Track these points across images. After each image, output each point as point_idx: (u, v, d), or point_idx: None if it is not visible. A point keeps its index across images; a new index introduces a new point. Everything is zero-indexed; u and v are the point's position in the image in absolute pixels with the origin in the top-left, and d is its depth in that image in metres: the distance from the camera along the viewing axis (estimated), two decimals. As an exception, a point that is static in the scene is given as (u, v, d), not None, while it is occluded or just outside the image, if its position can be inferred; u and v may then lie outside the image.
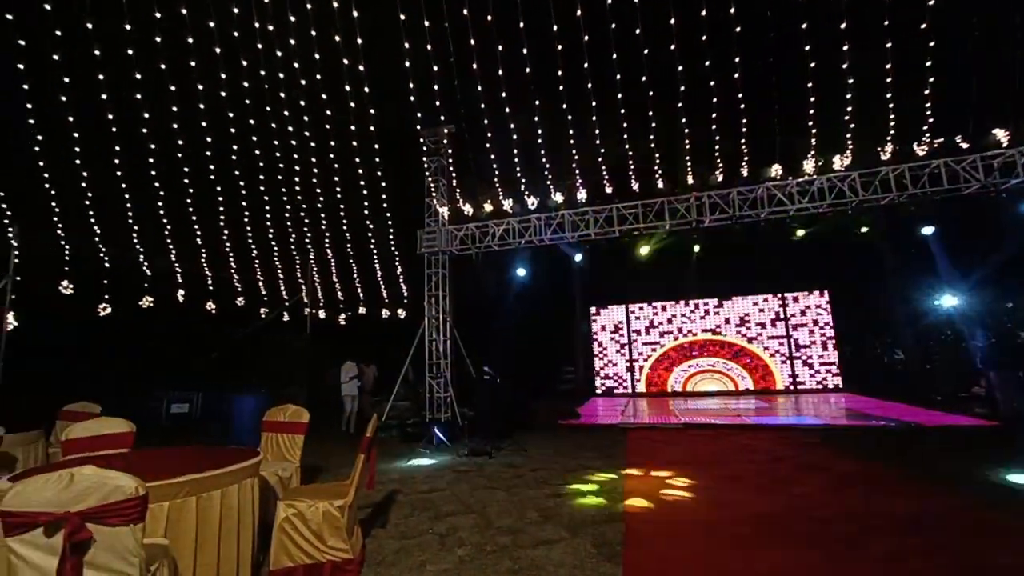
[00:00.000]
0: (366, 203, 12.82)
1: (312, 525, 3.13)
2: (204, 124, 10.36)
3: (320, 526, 3.14)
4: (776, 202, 9.49)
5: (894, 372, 15.37)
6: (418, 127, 10.87)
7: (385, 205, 12.81)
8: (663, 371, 16.20)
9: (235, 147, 11.21)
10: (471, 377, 11.03)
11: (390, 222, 13.36)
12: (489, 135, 10.32)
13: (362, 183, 12.11)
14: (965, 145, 8.54)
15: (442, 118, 10.49)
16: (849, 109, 8.97)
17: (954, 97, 8.82)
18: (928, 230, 12.03)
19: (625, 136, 10.15)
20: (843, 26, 8.21)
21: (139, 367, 14.88)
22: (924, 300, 16.57)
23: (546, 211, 10.81)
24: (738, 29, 8.38)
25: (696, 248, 14.88)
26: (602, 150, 10.43)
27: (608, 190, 10.68)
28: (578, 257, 15.56)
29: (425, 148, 11.32)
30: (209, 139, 10.75)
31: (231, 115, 10.45)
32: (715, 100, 9.37)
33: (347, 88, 9.70)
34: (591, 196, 10.76)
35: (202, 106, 9.99)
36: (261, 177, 12.17)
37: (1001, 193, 9.14)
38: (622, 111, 9.79)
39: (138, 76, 9.09)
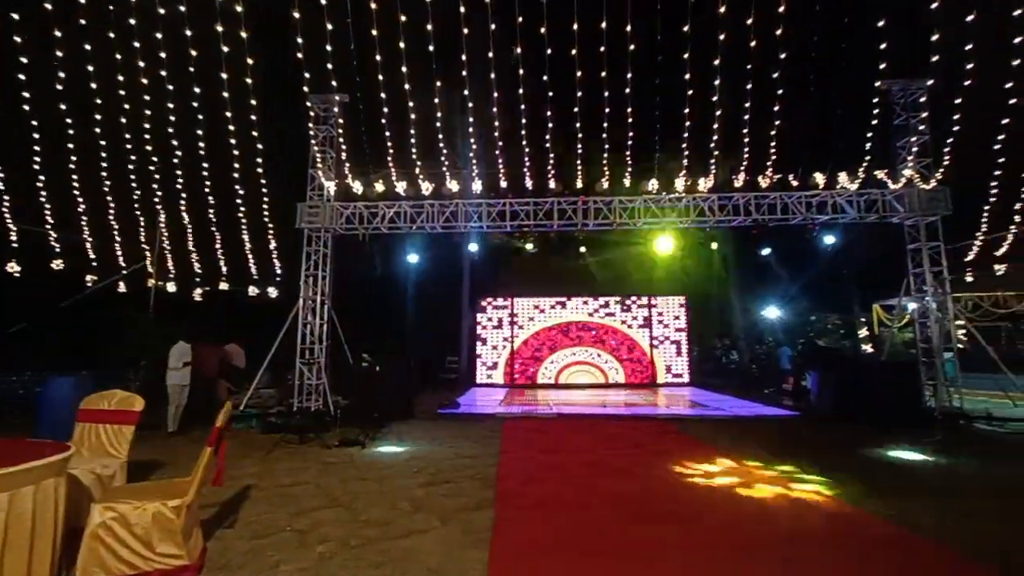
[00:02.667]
0: (236, 164, 11.27)
1: (137, 530, 2.67)
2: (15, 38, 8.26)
3: (148, 530, 2.69)
4: (651, 214, 10.45)
5: (729, 371, 18.12)
6: (305, 89, 9.90)
7: (260, 170, 11.38)
8: (540, 362, 16.97)
9: (62, 74, 9.11)
10: (348, 364, 10.43)
11: (264, 189, 11.91)
12: (386, 111, 9.76)
13: (233, 141, 10.59)
14: (795, 183, 10.22)
15: (334, 84, 9.68)
16: (715, 138, 10.19)
17: (790, 140, 10.49)
18: (766, 251, 15.05)
19: (523, 132, 10.34)
20: (716, 62, 9.28)
21: None
22: (755, 312, 19.90)
23: (440, 198, 10.59)
24: (632, 47, 9.01)
25: (582, 249, 16.30)
26: (500, 143, 10.50)
27: (503, 184, 10.79)
28: (473, 247, 15.66)
29: (313, 114, 10.36)
30: (24, 60, 8.61)
31: (58, 34, 8.48)
32: (607, 111, 9.98)
33: (219, 28, 8.43)
34: (486, 189, 10.78)
35: (15, 16, 7.95)
36: (97, 117, 10.06)
37: (816, 226, 11.22)
38: (522, 106, 9.95)
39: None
